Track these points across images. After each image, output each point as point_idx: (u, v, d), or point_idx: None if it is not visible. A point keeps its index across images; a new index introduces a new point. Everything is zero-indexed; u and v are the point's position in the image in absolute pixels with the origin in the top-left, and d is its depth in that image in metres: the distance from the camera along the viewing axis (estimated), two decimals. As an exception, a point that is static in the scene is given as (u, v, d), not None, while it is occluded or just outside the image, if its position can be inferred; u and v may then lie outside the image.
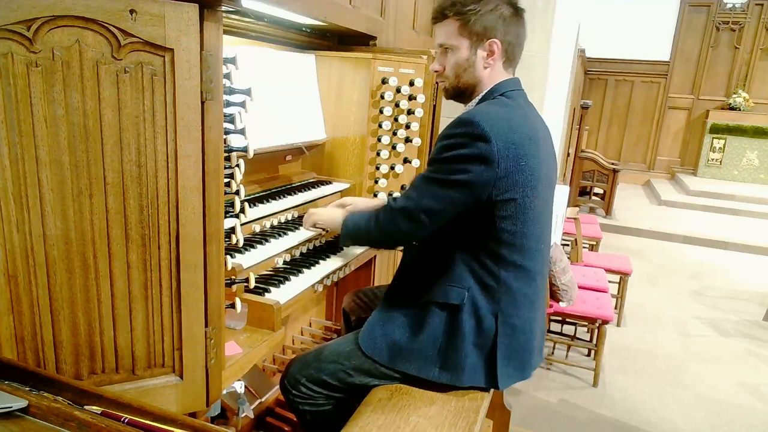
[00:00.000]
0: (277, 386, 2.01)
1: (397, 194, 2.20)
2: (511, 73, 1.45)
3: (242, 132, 1.27)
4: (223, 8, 0.98)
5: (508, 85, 1.41)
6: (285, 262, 1.63)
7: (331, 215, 1.66)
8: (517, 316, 1.39)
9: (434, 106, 2.23)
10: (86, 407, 0.74)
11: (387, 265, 2.43)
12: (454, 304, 1.37)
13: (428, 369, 1.39)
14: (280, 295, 1.44)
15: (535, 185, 1.35)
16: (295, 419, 1.62)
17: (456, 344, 1.37)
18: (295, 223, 1.76)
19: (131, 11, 0.88)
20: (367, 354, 1.42)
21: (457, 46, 1.39)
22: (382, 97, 2.01)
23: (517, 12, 1.40)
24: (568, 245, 3.89)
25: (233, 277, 1.31)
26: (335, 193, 2.04)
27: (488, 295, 1.37)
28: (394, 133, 2.11)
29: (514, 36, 1.39)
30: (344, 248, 1.85)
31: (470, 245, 1.37)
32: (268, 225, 1.69)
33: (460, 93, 1.46)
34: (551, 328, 3.25)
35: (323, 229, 1.73)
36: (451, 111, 2.87)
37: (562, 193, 3.33)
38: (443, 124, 2.34)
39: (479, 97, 1.43)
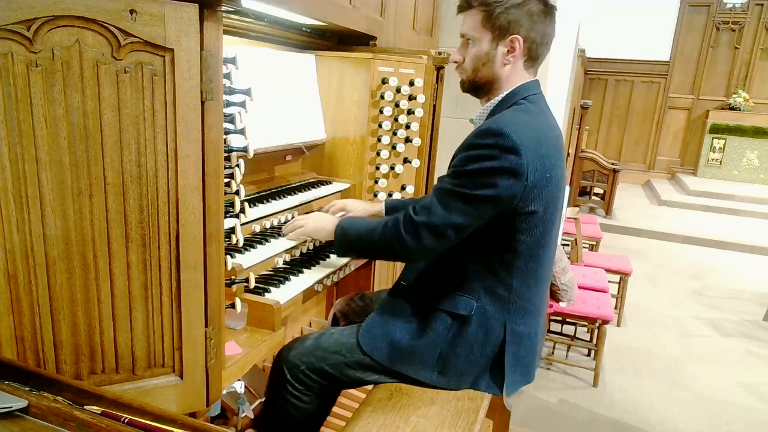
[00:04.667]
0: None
1: (397, 195, 2.20)
2: (533, 74, 1.39)
3: (242, 132, 1.27)
4: (223, 8, 0.98)
5: (529, 89, 1.36)
6: (285, 262, 1.63)
7: (318, 224, 1.57)
8: (524, 323, 1.37)
9: (434, 106, 2.23)
10: (86, 407, 0.74)
11: (387, 265, 2.43)
12: (461, 314, 1.35)
13: (426, 372, 1.38)
14: (280, 295, 1.44)
15: (558, 196, 1.32)
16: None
17: (458, 352, 1.36)
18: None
19: (131, 11, 0.88)
20: (367, 352, 1.41)
21: (478, 39, 1.34)
22: (382, 97, 2.01)
23: (548, 9, 1.33)
24: (568, 245, 3.89)
25: (233, 277, 1.31)
26: (335, 193, 2.04)
27: (498, 305, 1.35)
28: (394, 133, 2.11)
29: (540, 34, 1.33)
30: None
31: (486, 256, 1.33)
32: (268, 225, 1.69)
33: (477, 87, 1.41)
34: (551, 328, 3.25)
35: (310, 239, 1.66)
36: (451, 111, 2.87)
37: (562, 193, 3.33)
38: (443, 124, 2.34)
39: (499, 97, 1.37)
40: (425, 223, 1.29)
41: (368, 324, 1.45)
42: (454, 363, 1.37)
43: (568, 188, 3.90)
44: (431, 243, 1.30)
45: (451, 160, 1.32)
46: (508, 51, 1.33)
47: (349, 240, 1.46)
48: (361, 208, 1.80)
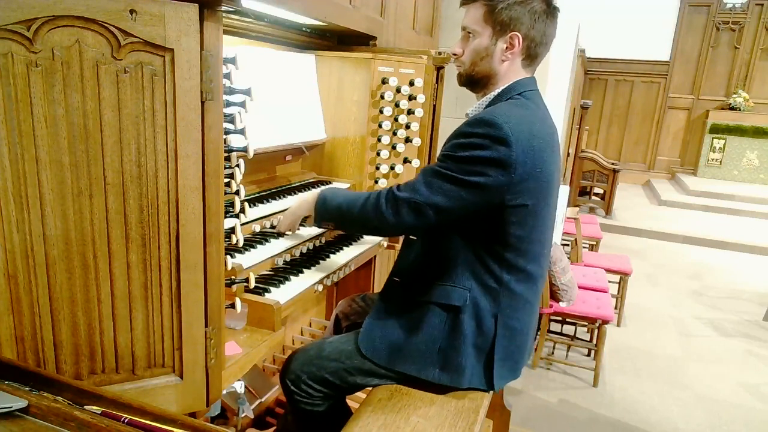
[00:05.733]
0: (277, 386, 2.01)
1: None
2: (530, 73, 1.40)
3: (242, 132, 1.27)
4: (223, 8, 0.98)
5: (525, 85, 1.37)
6: (285, 262, 1.63)
7: (301, 199, 1.58)
8: (516, 318, 1.38)
9: (434, 106, 2.23)
10: (86, 407, 0.74)
11: (387, 265, 2.43)
12: (455, 305, 1.36)
13: (428, 370, 1.38)
14: (280, 295, 1.44)
15: (549, 192, 1.33)
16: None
17: (456, 345, 1.36)
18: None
19: (131, 11, 0.88)
20: (367, 356, 1.41)
21: (479, 32, 1.35)
22: (382, 97, 2.01)
23: (550, 10, 1.33)
24: (568, 245, 3.89)
25: (233, 277, 1.31)
26: (335, 193, 2.03)
27: (489, 297, 1.36)
28: (394, 133, 2.11)
29: (540, 34, 1.33)
30: (344, 248, 1.84)
31: (476, 248, 1.34)
32: (268, 225, 1.69)
33: (473, 81, 1.41)
34: (551, 328, 3.25)
35: (302, 224, 1.65)
36: (450, 111, 2.87)
37: (562, 193, 3.34)
38: (443, 124, 2.34)
39: (495, 93, 1.38)
40: (407, 200, 1.30)
41: (366, 328, 1.45)
42: (454, 357, 1.37)
43: (567, 188, 3.90)
44: (409, 220, 1.31)
45: (442, 147, 1.33)
46: (506, 47, 1.34)
47: (328, 209, 1.46)
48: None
